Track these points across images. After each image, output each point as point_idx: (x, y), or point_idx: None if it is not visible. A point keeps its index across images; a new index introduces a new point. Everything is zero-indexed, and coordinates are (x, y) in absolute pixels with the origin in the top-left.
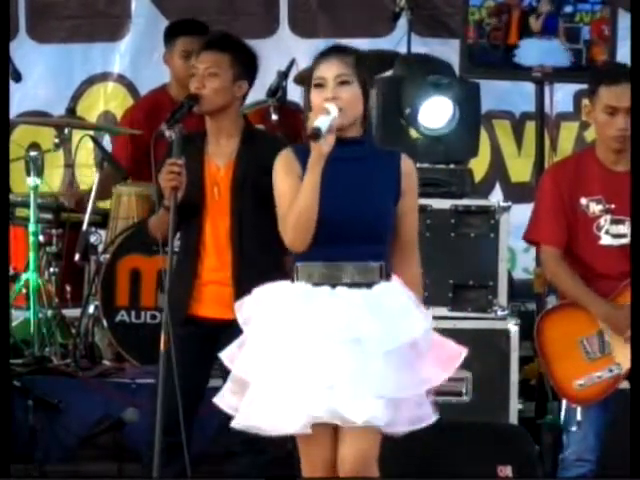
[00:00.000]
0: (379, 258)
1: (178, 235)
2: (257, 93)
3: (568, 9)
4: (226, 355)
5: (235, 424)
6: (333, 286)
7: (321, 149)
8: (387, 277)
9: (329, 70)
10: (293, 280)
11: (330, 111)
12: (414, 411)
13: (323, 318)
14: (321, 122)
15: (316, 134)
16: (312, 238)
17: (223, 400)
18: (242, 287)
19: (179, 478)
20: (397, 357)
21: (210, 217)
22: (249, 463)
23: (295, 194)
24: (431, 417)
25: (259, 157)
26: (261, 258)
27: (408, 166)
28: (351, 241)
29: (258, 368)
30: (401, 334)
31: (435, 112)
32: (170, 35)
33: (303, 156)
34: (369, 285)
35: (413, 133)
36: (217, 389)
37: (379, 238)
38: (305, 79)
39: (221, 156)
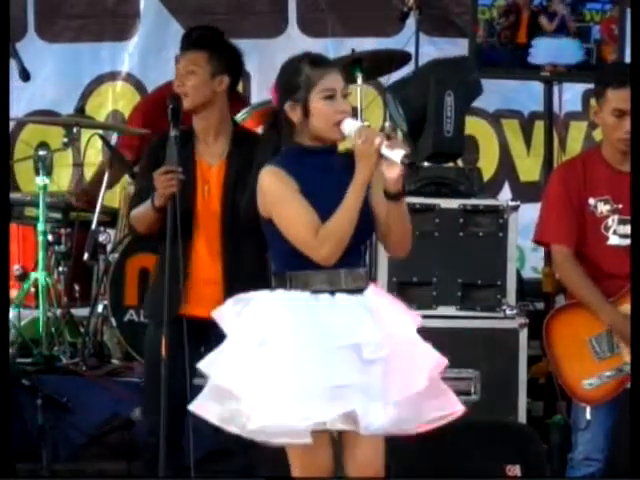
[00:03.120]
0: (363, 264)
1: None
2: (266, 93)
3: (579, 8)
4: (207, 364)
5: (249, 434)
6: (332, 293)
7: (372, 169)
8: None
9: (337, 82)
10: (286, 288)
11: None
12: (427, 406)
13: (324, 325)
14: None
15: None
16: None
17: (206, 409)
18: (233, 285)
19: (177, 477)
20: (394, 359)
21: (200, 215)
22: (246, 461)
23: (308, 211)
24: (454, 407)
25: (251, 156)
26: (251, 257)
27: None
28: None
29: (254, 377)
30: (395, 338)
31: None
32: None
33: (291, 165)
34: (361, 291)
35: None
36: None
37: (363, 241)
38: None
39: (212, 155)
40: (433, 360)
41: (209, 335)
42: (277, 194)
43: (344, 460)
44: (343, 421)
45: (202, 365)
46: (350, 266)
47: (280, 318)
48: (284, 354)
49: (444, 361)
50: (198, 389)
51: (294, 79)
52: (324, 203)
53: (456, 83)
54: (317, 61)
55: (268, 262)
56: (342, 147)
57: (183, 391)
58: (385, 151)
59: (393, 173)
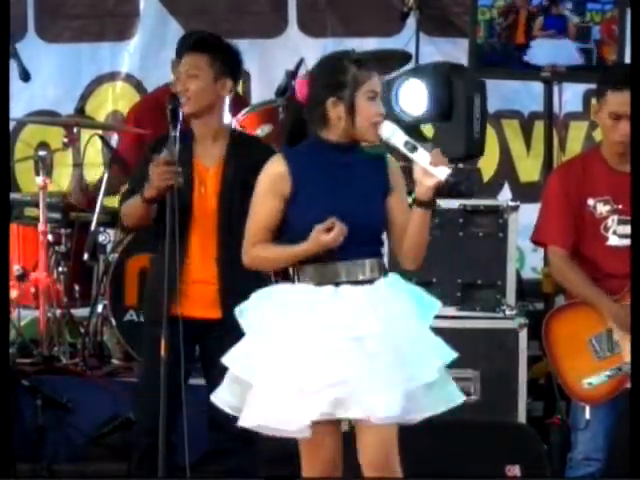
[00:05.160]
0: (376, 255)
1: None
2: (266, 92)
3: (579, 8)
4: (228, 357)
5: (241, 422)
6: (336, 285)
7: (328, 244)
8: (385, 273)
9: (379, 84)
10: (294, 281)
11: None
12: (429, 397)
13: (326, 318)
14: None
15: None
16: None
17: (220, 399)
18: (228, 286)
19: (172, 477)
20: (398, 351)
21: (196, 217)
22: (241, 460)
23: (270, 218)
24: (456, 398)
25: (248, 159)
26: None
27: (394, 165)
28: (350, 241)
29: (262, 369)
30: (401, 330)
31: (411, 97)
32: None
33: (296, 165)
34: (371, 282)
35: None
36: (200, 387)
37: (376, 236)
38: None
39: (209, 157)
40: (441, 352)
41: (204, 335)
42: (260, 184)
43: (357, 452)
44: (347, 412)
45: (225, 358)
46: (358, 257)
47: (282, 311)
48: (283, 348)
49: (452, 354)
50: (193, 389)
51: (340, 77)
52: (326, 198)
53: (481, 85)
54: (362, 62)
55: None
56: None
57: (177, 391)
58: (429, 167)
59: (430, 182)
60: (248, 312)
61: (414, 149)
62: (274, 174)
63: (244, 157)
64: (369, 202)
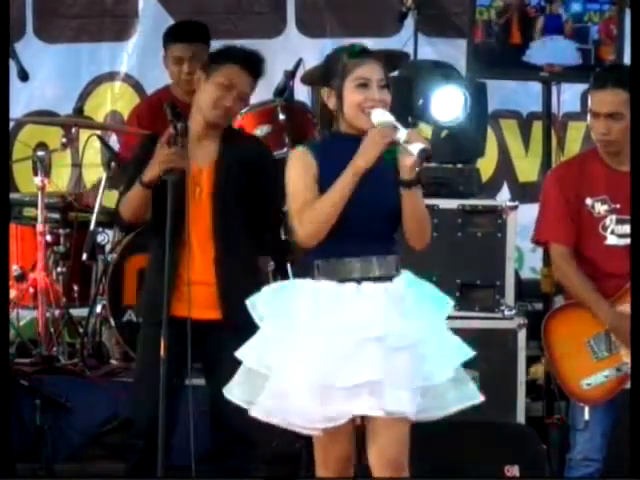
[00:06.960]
0: (391, 252)
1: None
2: (264, 93)
3: (577, 8)
4: (242, 351)
5: (255, 413)
6: (358, 282)
7: (372, 159)
8: (399, 270)
9: (373, 71)
10: (313, 277)
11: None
12: (446, 395)
13: (349, 316)
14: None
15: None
16: (333, 234)
17: (234, 394)
18: (227, 286)
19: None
20: (416, 349)
21: (192, 218)
22: (241, 462)
23: (311, 193)
24: (474, 397)
25: (241, 157)
26: (243, 257)
27: None
28: (369, 236)
29: (281, 361)
30: (419, 328)
31: (447, 102)
32: (165, 39)
33: (319, 154)
34: (390, 278)
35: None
36: (200, 388)
37: (391, 232)
38: (319, 77)
39: (202, 157)
40: (458, 351)
41: (204, 336)
42: (290, 170)
43: (367, 449)
44: (367, 408)
45: (238, 353)
46: (379, 253)
47: (304, 308)
48: (306, 347)
49: (469, 352)
50: (193, 390)
51: (331, 67)
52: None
53: (483, 87)
54: (357, 51)
55: (256, 261)
56: None
57: (173, 392)
58: (406, 145)
59: (407, 161)
60: (260, 305)
61: (395, 130)
62: (301, 156)
63: (237, 156)
64: (389, 196)
